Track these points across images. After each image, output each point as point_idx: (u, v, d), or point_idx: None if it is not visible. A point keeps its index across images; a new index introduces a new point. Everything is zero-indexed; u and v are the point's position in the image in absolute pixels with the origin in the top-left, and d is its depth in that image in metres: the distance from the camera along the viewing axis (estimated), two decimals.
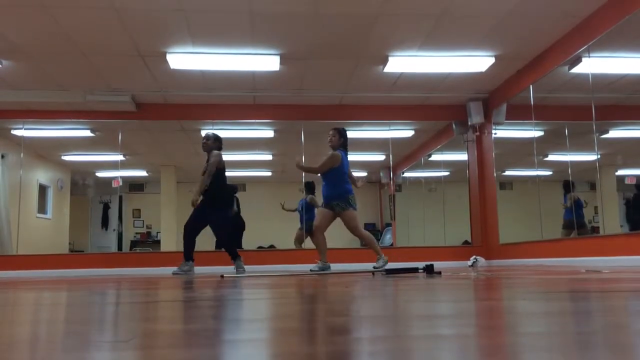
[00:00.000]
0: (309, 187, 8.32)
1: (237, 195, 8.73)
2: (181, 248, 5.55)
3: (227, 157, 5.74)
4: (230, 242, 5.64)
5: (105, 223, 10.34)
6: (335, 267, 5.90)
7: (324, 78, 7.11)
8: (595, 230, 5.82)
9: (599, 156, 5.56)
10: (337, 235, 5.98)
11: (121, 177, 8.76)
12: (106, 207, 10.45)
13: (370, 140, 9.48)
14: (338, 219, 5.45)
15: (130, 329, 1.01)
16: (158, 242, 10.00)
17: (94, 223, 10.62)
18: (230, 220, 5.82)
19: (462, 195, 8.48)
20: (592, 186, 5.81)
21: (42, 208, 9.36)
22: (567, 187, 6.30)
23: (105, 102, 7.46)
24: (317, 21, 5.42)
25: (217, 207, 5.57)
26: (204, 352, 0.75)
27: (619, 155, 5.77)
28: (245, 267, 5.71)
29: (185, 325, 1.07)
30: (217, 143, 5.70)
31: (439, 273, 3.78)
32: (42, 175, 9.49)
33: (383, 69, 6.66)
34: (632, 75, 5.32)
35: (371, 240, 5.40)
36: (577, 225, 6.09)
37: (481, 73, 6.86)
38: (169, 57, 6.16)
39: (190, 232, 5.52)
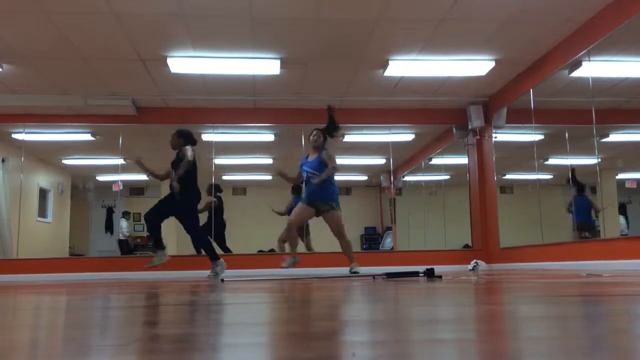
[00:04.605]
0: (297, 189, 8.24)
1: (221, 195, 8.57)
2: (181, 252, 5.54)
3: (227, 161, 5.75)
4: (206, 241, 5.60)
5: (109, 227, 10.31)
6: (334, 271, 5.89)
7: (325, 82, 7.11)
8: (596, 233, 5.82)
9: (599, 160, 5.56)
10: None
11: (121, 181, 8.76)
12: (110, 211, 10.44)
13: (371, 144, 9.48)
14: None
15: (131, 333, 1.01)
16: None
17: (94, 227, 10.61)
18: (196, 217, 5.71)
19: (462, 199, 8.47)
20: (593, 190, 5.81)
21: (42, 212, 9.36)
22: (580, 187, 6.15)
23: (106, 106, 7.47)
24: (317, 25, 5.43)
25: (187, 202, 5.49)
26: (204, 357, 0.75)
27: (619, 159, 5.77)
28: (246, 271, 5.69)
29: (185, 329, 1.06)
30: (185, 139, 5.60)
31: (440, 277, 3.77)
32: (42, 179, 9.50)
33: (383, 72, 6.66)
34: (632, 78, 5.33)
35: (350, 246, 5.44)
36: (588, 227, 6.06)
37: (481, 77, 6.86)
38: (169, 61, 6.17)
39: (155, 220, 5.44)
